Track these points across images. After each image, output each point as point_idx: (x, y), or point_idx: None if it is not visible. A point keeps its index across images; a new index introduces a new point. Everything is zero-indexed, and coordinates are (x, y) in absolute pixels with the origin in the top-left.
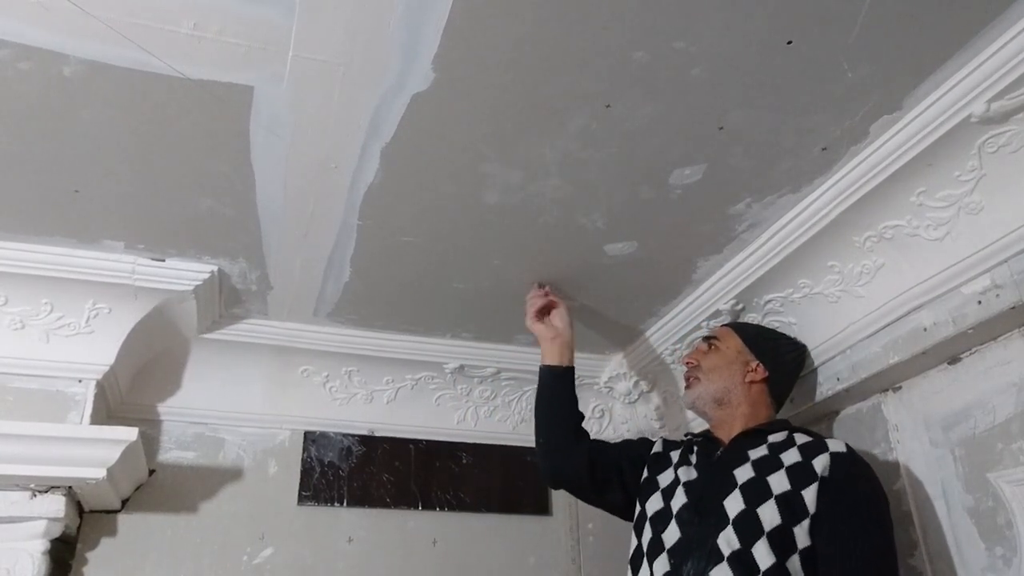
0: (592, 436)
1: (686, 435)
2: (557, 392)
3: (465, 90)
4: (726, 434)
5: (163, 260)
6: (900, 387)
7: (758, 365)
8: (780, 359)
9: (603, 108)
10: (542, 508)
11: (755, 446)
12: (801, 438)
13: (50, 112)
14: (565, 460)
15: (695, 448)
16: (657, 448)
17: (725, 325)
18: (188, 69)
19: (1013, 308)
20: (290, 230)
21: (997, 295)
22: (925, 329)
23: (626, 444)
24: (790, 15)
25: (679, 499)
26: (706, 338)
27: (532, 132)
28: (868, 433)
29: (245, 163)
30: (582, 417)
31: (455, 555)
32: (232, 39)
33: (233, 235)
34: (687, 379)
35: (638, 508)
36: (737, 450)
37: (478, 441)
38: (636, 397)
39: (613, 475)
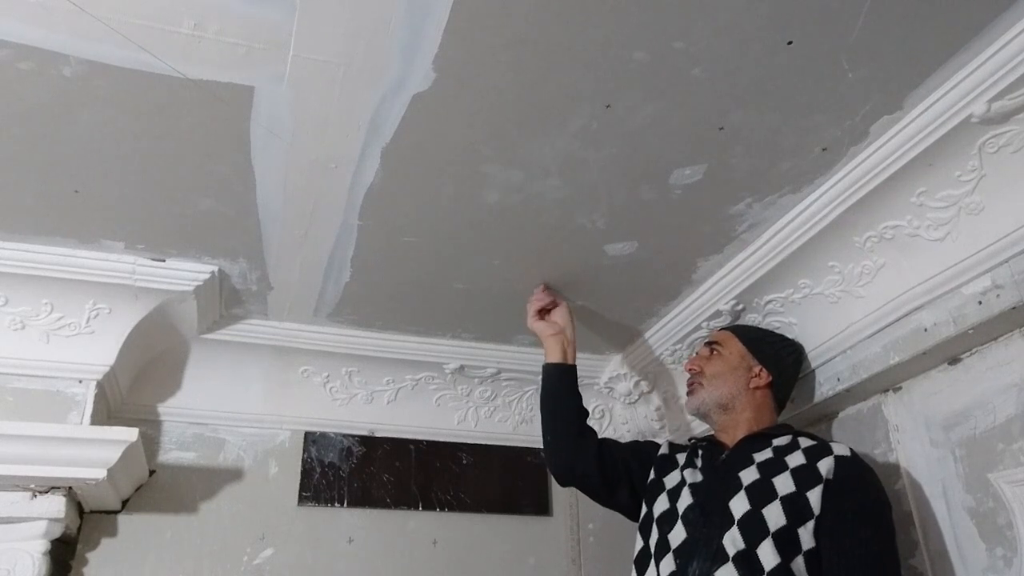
0: None
1: (690, 439)
2: (562, 389)
3: (465, 90)
4: (730, 438)
5: (163, 260)
6: (900, 387)
7: (761, 370)
8: (782, 362)
9: (603, 108)
10: (542, 508)
11: (760, 449)
12: (805, 441)
13: (50, 112)
14: (574, 457)
15: (700, 451)
16: (663, 450)
17: (725, 328)
18: (188, 69)
19: (1014, 308)
20: (290, 230)
21: (998, 295)
22: (926, 329)
23: (634, 444)
24: (790, 15)
25: (685, 500)
26: (708, 343)
27: (532, 132)
28: (869, 433)
29: (245, 163)
30: (587, 414)
31: (455, 555)
32: (232, 39)
33: (233, 235)
34: (689, 386)
35: (644, 509)
36: (742, 453)
37: (478, 441)
38: (636, 398)
39: (623, 474)
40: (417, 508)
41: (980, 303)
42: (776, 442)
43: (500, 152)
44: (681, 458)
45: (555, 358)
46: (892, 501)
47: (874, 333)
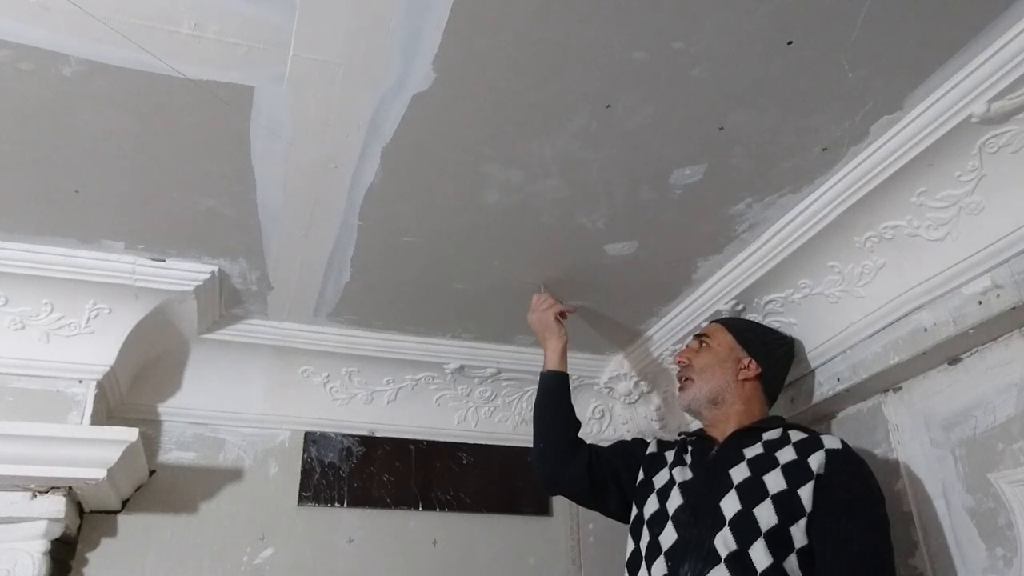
0: (593, 437)
1: (680, 434)
2: (560, 398)
3: (465, 90)
4: (720, 433)
5: (163, 260)
6: (900, 387)
7: (750, 361)
8: (772, 354)
9: (603, 108)
10: (542, 508)
11: (750, 444)
12: (796, 435)
13: (50, 112)
14: (563, 467)
15: (689, 447)
16: (652, 449)
17: (715, 321)
18: (188, 69)
19: (1013, 308)
20: (290, 230)
21: (997, 295)
22: (926, 329)
23: (621, 446)
24: (790, 15)
25: (675, 500)
26: (697, 335)
27: (532, 132)
28: (868, 433)
29: (245, 163)
30: (579, 425)
31: (455, 555)
32: (232, 39)
33: (233, 235)
34: (680, 380)
35: (634, 511)
36: (732, 449)
37: (478, 441)
38: (636, 398)
39: (609, 479)
40: (417, 508)
41: (980, 303)
42: (766, 436)
43: (500, 152)
44: (670, 455)
45: (557, 366)
46: (892, 501)
47: (874, 333)
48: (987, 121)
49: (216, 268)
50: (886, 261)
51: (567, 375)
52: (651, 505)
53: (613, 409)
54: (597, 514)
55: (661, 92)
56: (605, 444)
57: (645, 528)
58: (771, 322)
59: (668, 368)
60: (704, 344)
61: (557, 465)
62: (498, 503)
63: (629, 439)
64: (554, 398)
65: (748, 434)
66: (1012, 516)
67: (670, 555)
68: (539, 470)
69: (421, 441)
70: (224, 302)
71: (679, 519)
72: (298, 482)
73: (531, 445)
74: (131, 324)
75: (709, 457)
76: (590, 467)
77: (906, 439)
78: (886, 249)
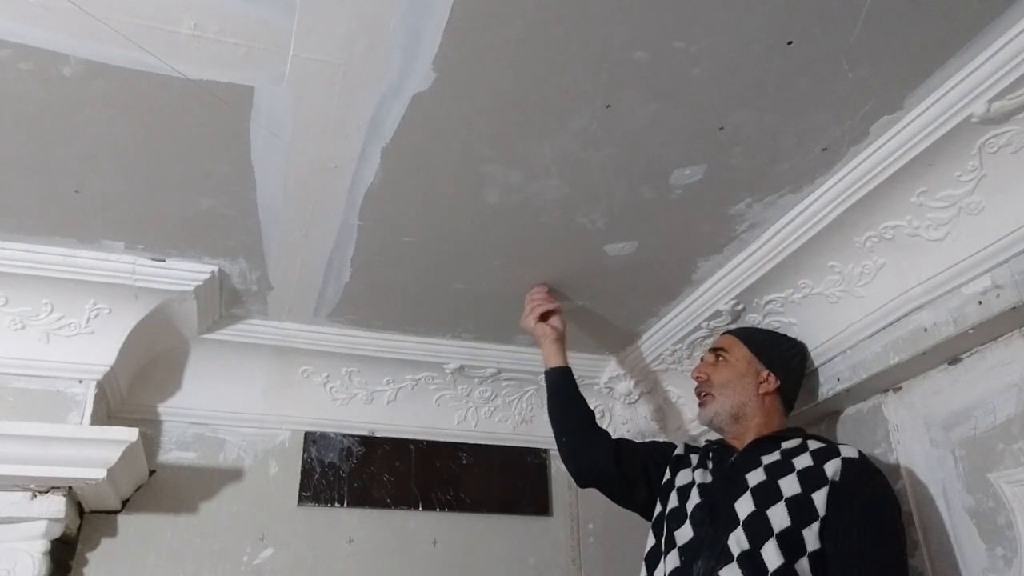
0: None
1: (706, 442)
2: (570, 392)
3: (465, 90)
4: (741, 443)
5: (163, 260)
6: (901, 387)
7: (769, 375)
8: (788, 364)
9: (603, 108)
10: (542, 508)
11: (768, 452)
12: (814, 444)
13: (50, 112)
14: (591, 456)
15: (711, 454)
16: (679, 451)
17: (728, 333)
18: (188, 69)
19: (1014, 308)
20: (290, 230)
21: (997, 295)
22: (926, 329)
23: (652, 444)
24: (790, 15)
25: (693, 500)
26: (712, 349)
27: (532, 132)
28: (869, 433)
29: (245, 163)
30: (591, 413)
31: (455, 555)
32: (232, 39)
33: (233, 235)
34: (699, 395)
35: (658, 508)
36: (751, 455)
37: (478, 441)
38: (636, 398)
39: (639, 473)
40: (417, 508)
41: (980, 303)
42: (785, 445)
43: (500, 152)
44: (694, 459)
45: (559, 362)
46: None
47: (874, 333)
48: (987, 121)
49: (216, 268)
50: (886, 261)
51: (565, 368)
52: (671, 502)
53: (613, 409)
54: (597, 514)
55: (661, 92)
56: None
57: (664, 524)
58: (771, 322)
59: (669, 368)
60: (721, 358)
61: (584, 456)
62: (498, 503)
63: (660, 441)
64: (562, 394)
65: (768, 442)
66: (1012, 516)
67: (684, 551)
68: (569, 465)
69: (421, 441)
70: (224, 302)
71: (696, 518)
72: (298, 482)
73: (531, 445)
74: (131, 324)
75: (729, 463)
76: (619, 456)
77: (906, 439)
78: (886, 249)
